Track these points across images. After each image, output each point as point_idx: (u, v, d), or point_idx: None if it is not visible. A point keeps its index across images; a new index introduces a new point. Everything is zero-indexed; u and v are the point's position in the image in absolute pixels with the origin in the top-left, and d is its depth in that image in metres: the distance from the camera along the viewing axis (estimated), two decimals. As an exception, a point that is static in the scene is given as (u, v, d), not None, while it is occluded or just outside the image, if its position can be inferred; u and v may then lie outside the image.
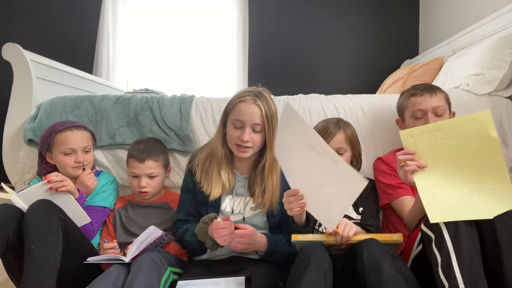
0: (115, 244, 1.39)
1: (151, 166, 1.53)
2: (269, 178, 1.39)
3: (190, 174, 1.47)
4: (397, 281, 1.01)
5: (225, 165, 1.42)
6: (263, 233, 1.37)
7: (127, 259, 1.25)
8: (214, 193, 1.39)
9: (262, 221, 1.43)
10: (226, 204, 1.43)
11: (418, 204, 1.33)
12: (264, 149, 1.41)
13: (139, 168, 1.52)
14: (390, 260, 1.06)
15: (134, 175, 1.54)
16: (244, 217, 1.42)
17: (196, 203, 1.46)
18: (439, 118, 1.46)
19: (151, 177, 1.54)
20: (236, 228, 1.30)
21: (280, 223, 1.41)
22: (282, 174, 1.39)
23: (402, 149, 1.56)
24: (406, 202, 1.45)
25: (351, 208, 1.49)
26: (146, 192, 1.54)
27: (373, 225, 1.45)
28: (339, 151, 1.43)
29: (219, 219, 1.25)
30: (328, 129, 1.46)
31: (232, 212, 1.42)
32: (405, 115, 1.55)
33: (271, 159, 1.39)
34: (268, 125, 1.35)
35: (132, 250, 1.26)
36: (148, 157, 1.53)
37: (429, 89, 1.50)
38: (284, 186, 1.39)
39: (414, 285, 1.07)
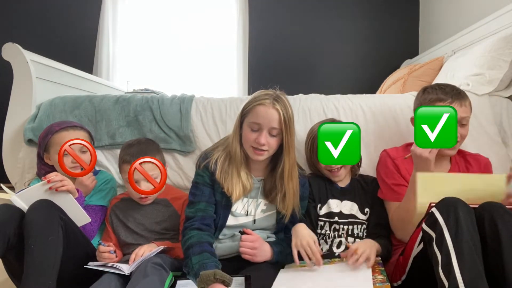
0: (111, 248, 1.34)
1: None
2: (289, 183, 1.37)
3: (207, 169, 1.40)
4: None
5: (244, 167, 1.40)
6: (268, 241, 1.38)
7: (127, 271, 1.24)
8: (236, 195, 1.37)
9: (271, 223, 1.43)
10: (237, 206, 1.41)
11: (403, 208, 1.34)
12: (277, 153, 1.39)
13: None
14: None
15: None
16: (255, 220, 1.41)
17: (214, 198, 1.40)
18: (462, 128, 1.40)
19: None
20: (243, 232, 1.34)
21: (286, 226, 1.43)
22: (299, 178, 1.41)
23: (409, 144, 1.57)
24: (391, 209, 1.45)
25: (356, 208, 1.49)
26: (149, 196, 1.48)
27: (383, 235, 1.42)
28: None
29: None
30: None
31: (247, 214, 1.41)
32: None
33: (290, 164, 1.37)
34: (286, 129, 1.33)
35: (133, 266, 1.26)
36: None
37: (459, 96, 1.40)
38: (302, 190, 1.42)
39: None
